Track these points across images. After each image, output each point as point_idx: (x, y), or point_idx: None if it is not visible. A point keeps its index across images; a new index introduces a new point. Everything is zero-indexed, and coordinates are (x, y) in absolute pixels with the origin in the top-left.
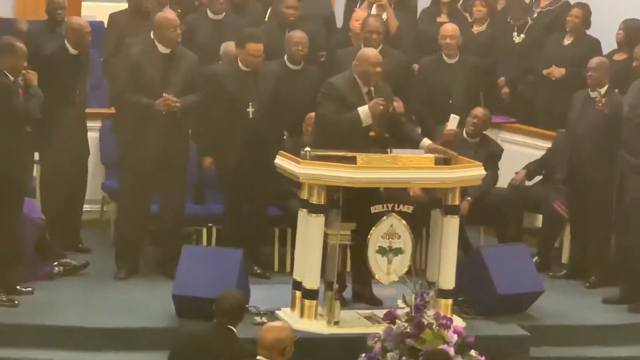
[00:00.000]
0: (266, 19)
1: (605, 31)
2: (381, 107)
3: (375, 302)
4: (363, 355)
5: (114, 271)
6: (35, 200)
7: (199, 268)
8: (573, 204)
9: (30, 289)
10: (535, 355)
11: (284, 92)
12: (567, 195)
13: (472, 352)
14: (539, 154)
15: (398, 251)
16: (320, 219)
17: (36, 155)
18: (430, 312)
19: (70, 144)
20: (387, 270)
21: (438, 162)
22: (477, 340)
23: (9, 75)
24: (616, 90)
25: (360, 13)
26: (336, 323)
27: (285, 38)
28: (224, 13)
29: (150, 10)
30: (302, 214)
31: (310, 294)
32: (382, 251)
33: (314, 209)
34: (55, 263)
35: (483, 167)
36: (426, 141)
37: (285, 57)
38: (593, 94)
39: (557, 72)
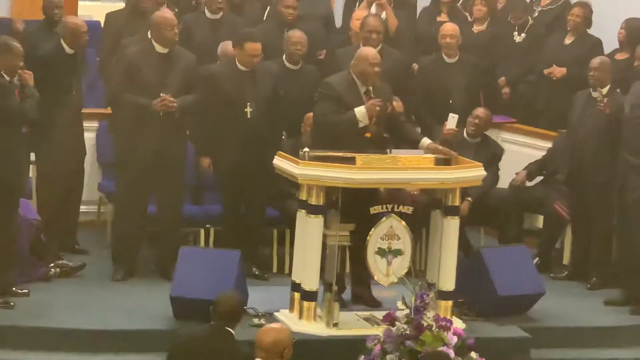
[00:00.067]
0: (264, 19)
1: (607, 30)
2: (377, 108)
3: (375, 304)
4: (362, 357)
5: (111, 273)
6: (30, 201)
7: (197, 269)
8: (574, 204)
9: (26, 290)
10: (536, 357)
11: (283, 92)
12: (568, 196)
13: (472, 354)
14: (539, 154)
15: (397, 252)
16: (319, 220)
17: (32, 156)
18: (430, 314)
19: (66, 144)
20: (386, 272)
21: (438, 162)
22: (477, 342)
23: (4, 75)
24: (618, 90)
25: (361, 13)
26: (335, 325)
27: (284, 38)
28: (222, 12)
29: (148, 9)
30: (301, 214)
31: (309, 296)
32: (381, 252)
33: (312, 210)
34: (52, 264)
35: (483, 168)
36: (426, 141)
37: (284, 56)
38: (595, 94)
39: (558, 71)
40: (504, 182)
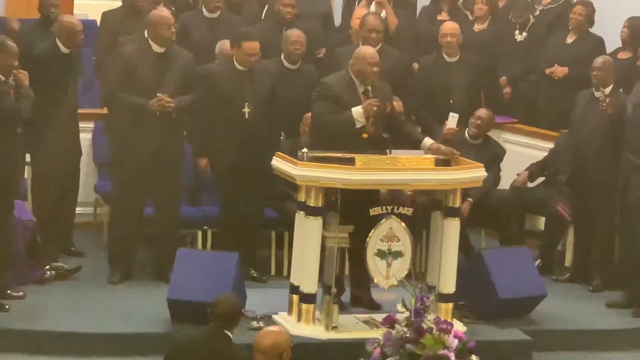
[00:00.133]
0: (263, 17)
1: (609, 29)
2: (375, 108)
3: (374, 307)
4: None
5: (108, 275)
6: (25, 203)
7: (194, 272)
8: (576, 205)
9: (21, 293)
10: None
11: (281, 92)
12: (570, 197)
13: (473, 358)
14: (541, 154)
15: (397, 254)
16: (318, 222)
17: (27, 157)
18: (430, 317)
19: (62, 144)
20: (386, 274)
21: (438, 163)
22: (478, 345)
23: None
24: (620, 90)
25: (361, 11)
26: (334, 328)
27: (283, 37)
28: (220, 11)
29: (144, 8)
30: (300, 216)
31: (307, 298)
32: (381, 254)
33: (311, 212)
34: (47, 267)
35: (485, 169)
36: (428, 140)
37: (282, 56)
38: (597, 94)
39: (560, 71)
40: (505, 183)
